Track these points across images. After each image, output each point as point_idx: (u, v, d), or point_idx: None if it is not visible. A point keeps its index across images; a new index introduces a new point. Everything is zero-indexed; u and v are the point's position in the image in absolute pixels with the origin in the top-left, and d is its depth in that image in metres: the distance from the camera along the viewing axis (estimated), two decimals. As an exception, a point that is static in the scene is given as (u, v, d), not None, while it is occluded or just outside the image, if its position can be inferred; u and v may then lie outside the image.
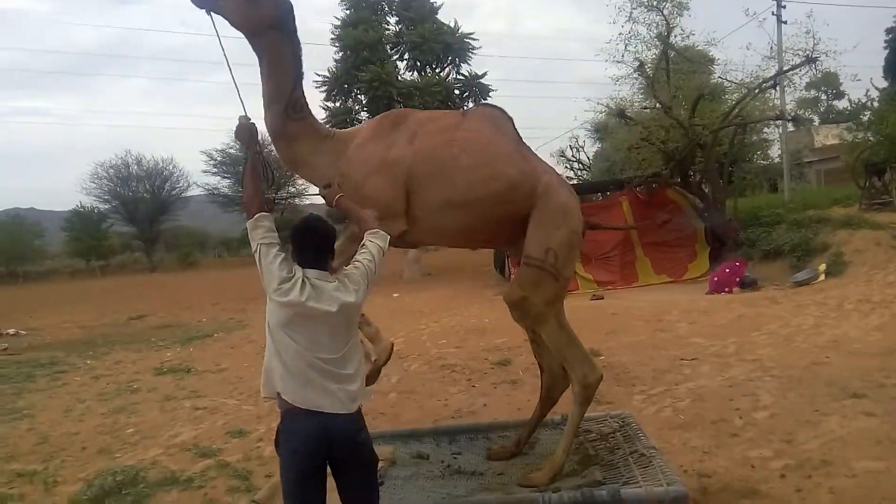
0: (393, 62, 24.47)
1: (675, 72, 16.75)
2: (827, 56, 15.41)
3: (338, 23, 24.54)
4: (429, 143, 3.85)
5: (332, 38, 24.44)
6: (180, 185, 54.89)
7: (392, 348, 3.98)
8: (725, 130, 16.76)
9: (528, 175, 3.87)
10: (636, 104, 18.19)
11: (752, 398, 6.10)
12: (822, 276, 13.07)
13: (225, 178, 47.78)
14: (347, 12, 24.63)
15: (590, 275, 16.14)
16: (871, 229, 14.15)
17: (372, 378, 3.79)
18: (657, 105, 16.54)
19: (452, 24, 24.93)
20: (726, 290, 13.34)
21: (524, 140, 4.18)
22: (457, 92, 24.83)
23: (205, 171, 54.13)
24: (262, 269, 2.77)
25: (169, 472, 5.33)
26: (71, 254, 54.26)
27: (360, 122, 24.06)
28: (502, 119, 4.11)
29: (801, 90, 20.87)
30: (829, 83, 40.57)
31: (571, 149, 31.83)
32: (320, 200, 3.39)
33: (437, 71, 25.10)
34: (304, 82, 3.95)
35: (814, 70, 15.99)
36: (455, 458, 4.21)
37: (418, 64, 24.93)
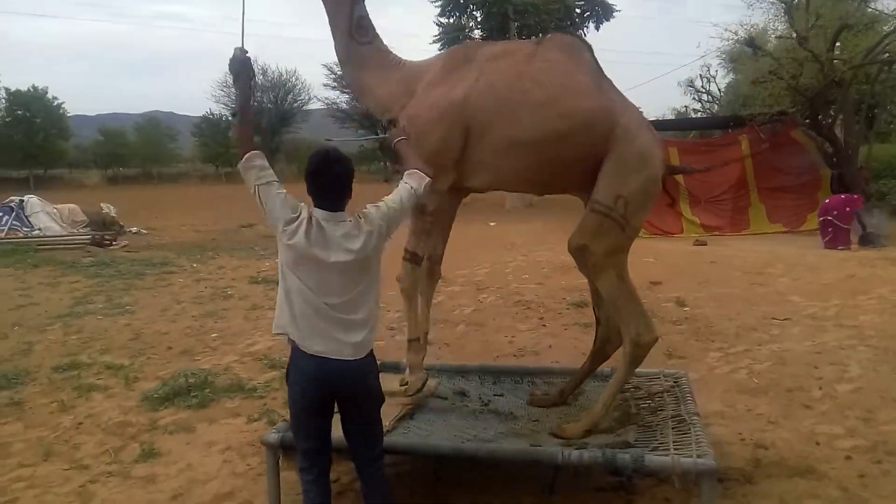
0: (512, -22, 23.52)
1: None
2: None
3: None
4: (496, 80, 3.64)
5: (451, -48, 23.76)
6: (302, 97, 56.47)
7: (424, 385, 3.95)
8: (868, 67, 15.07)
9: (606, 113, 3.54)
10: (770, 33, 16.67)
11: (838, 368, 5.66)
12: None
13: (344, 92, 48.56)
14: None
15: (697, 218, 15.39)
16: None
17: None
18: (792, 35, 15.05)
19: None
20: (841, 246, 12.28)
21: (606, 74, 3.82)
22: (577, 11, 23.66)
23: (325, 85, 55.24)
24: (264, 210, 2.71)
25: (237, 379, 5.62)
26: (201, 159, 57.54)
27: (473, 40, 23.68)
28: (580, 48, 3.77)
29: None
30: None
31: (701, 78, 29.90)
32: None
33: (558, -12, 23.94)
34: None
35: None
36: (495, 398, 4.16)
37: (538, -20, 23.84)
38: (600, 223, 3.56)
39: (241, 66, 2.93)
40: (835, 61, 14.48)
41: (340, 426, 2.88)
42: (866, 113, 17.00)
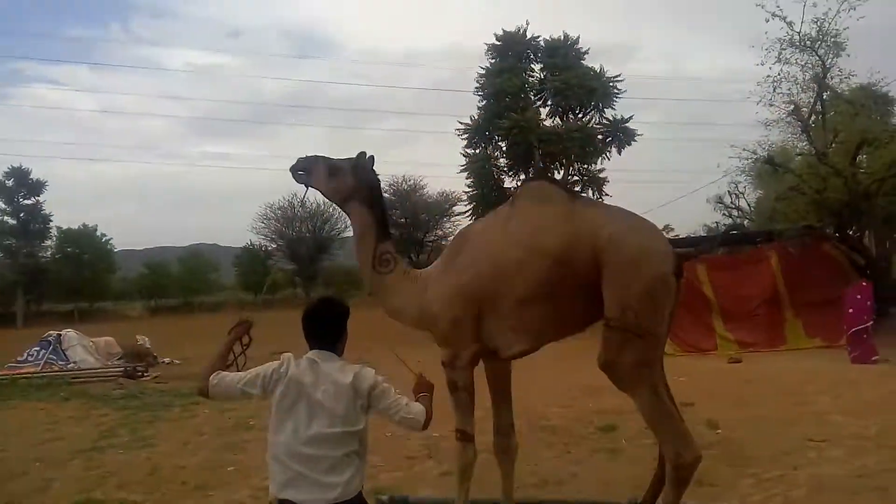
0: (535, 109, 24.56)
1: (834, 114, 15.42)
2: None
3: (482, 72, 25.07)
4: (486, 252, 3.95)
5: (475, 87, 25.04)
6: (339, 226, 58.18)
7: None
8: (894, 179, 15.06)
9: (578, 238, 3.66)
10: (790, 150, 16.91)
11: (881, 494, 5.30)
12: None
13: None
14: (493, 61, 25.14)
15: (731, 334, 15.03)
16: None
17: None
18: (812, 151, 15.25)
19: (598, 69, 24.69)
20: (874, 357, 11.91)
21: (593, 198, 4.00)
22: (599, 137, 24.40)
23: (360, 213, 57.04)
24: (258, 391, 2.89)
25: (247, 516, 5.48)
26: (241, 287, 58.93)
27: (498, 169, 24.41)
28: (546, 188, 4.07)
29: None
30: None
31: (730, 194, 30.24)
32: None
33: (580, 116, 24.87)
34: (391, 240, 4.47)
35: None
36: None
37: (560, 110, 24.84)
38: (619, 337, 3.57)
39: (244, 330, 3.33)
40: (858, 174, 14.53)
41: None
42: (897, 224, 16.84)
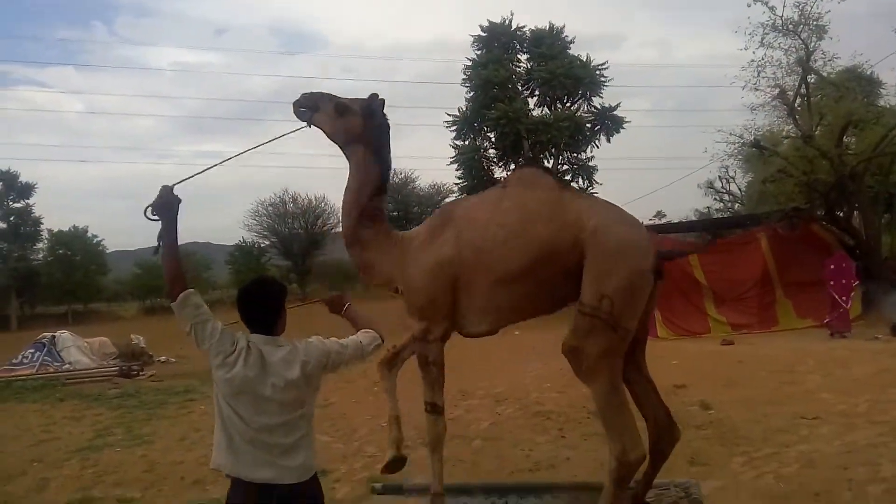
0: (523, 99, 24.55)
1: (820, 97, 15.51)
2: None
3: (469, 63, 25.03)
4: (471, 233, 3.94)
5: (463, 79, 25.00)
6: (331, 221, 58.07)
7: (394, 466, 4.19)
8: (881, 159, 15.18)
9: (565, 227, 3.69)
10: (777, 133, 16.98)
11: (871, 467, 5.39)
12: None
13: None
14: (479, 52, 25.10)
15: (723, 317, 15.16)
16: None
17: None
18: (799, 134, 15.34)
19: (585, 58, 24.68)
20: (845, 332, 12.64)
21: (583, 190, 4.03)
22: (588, 125, 24.42)
23: (353, 210, 56.91)
24: (202, 347, 2.78)
25: (245, 508, 5.51)
26: (235, 285, 58.75)
27: (488, 160, 24.43)
28: (538, 175, 4.07)
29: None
30: None
31: (721, 179, 30.34)
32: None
33: (568, 105, 24.89)
34: (385, 196, 4.37)
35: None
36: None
37: (548, 99, 24.85)
38: (590, 325, 3.56)
39: (165, 204, 2.89)
40: (844, 156, 14.62)
41: None
42: (885, 203, 16.95)
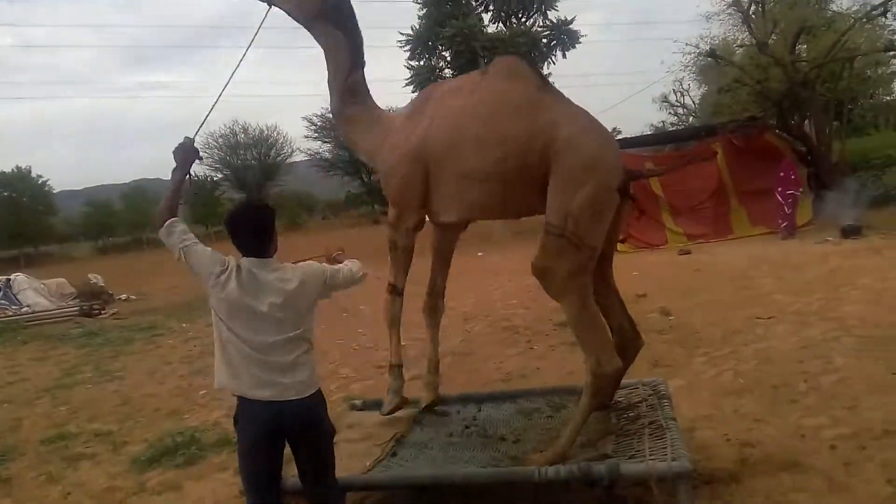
0: (477, 15, 23.92)
1: (774, 4, 15.47)
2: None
3: (420, -21, 24.16)
4: (444, 119, 3.82)
5: (415, -5, 24.20)
6: (285, 150, 56.90)
7: (397, 408, 4.26)
8: (832, 66, 15.34)
9: (539, 131, 3.51)
10: (732, 43, 17.00)
11: (823, 361, 5.67)
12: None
13: (325, 142, 49.14)
14: (430, -33, 24.21)
15: (680, 228, 15.50)
16: None
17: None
18: (753, 42, 15.37)
19: (538, -30, 24.02)
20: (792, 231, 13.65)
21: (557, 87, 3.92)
22: (544, 41, 24.02)
23: (306, 137, 55.78)
24: (192, 270, 2.80)
25: (224, 434, 5.58)
26: (190, 220, 57.67)
27: (444, 79, 23.97)
28: (519, 68, 3.80)
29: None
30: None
31: (675, 93, 30.45)
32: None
33: (523, 20, 24.39)
34: (364, 68, 4.29)
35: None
36: (475, 423, 4.17)
37: (503, 15, 24.28)
38: (557, 244, 3.47)
39: (183, 154, 3.06)
40: (797, 63, 14.74)
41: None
42: (836, 110, 17.25)
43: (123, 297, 16.91)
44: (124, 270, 25.45)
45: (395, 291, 4.25)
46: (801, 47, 16.40)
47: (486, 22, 24.24)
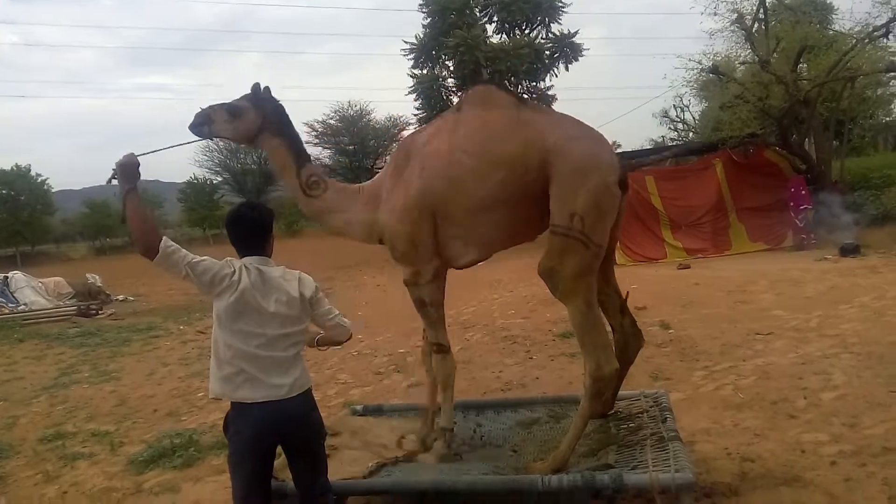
0: (481, 26, 24.05)
1: (776, 22, 15.58)
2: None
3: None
4: (436, 162, 3.81)
5: (420, 4, 24.32)
6: (286, 155, 56.76)
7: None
8: (833, 85, 15.43)
9: (529, 143, 3.59)
10: (734, 59, 17.09)
11: (822, 377, 5.68)
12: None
13: (326, 148, 49.19)
14: (436, -23, 24.33)
15: (679, 242, 15.54)
16: None
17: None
18: (755, 60, 15.46)
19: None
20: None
21: (541, 104, 3.94)
22: (546, 53, 24.15)
23: (307, 143, 55.71)
24: (201, 281, 2.76)
25: (222, 437, 5.54)
26: (187, 223, 57.59)
27: (447, 89, 24.07)
28: (493, 93, 3.88)
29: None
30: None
31: (675, 108, 30.55)
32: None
33: (526, 32, 24.53)
34: (311, 161, 4.30)
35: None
36: (476, 431, 4.18)
37: (507, 26, 24.42)
38: (563, 244, 3.53)
39: (126, 169, 2.91)
40: (798, 81, 14.82)
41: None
42: (836, 129, 17.35)
43: (121, 297, 16.90)
44: (121, 272, 25.37)
45: (443, 350, 4.10)
46: (803, 66, 16.49)
47: (489, 33, 24.43)
